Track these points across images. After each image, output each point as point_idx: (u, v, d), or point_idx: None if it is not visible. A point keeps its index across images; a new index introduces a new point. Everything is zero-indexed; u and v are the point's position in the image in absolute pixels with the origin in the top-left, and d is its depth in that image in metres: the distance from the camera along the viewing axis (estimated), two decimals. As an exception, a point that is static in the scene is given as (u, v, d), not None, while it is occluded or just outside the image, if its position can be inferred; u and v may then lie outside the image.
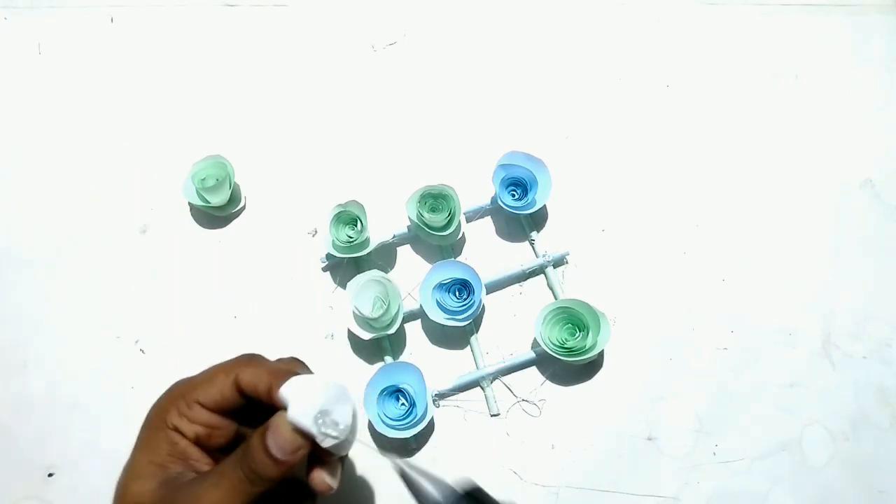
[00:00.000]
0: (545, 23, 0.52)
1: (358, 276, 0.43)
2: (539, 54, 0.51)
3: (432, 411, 0.41)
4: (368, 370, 0.42)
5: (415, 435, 0.40)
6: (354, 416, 0.31)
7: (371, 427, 0.41)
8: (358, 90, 0.51)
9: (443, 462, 0.42)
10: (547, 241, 0.46)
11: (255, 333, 0.44)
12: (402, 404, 0.40)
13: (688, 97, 0.50)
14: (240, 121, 0.50)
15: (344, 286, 0.44)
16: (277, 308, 0.45)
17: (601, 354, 0.43)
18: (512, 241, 0.45)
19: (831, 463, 0.41)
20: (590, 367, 0.43)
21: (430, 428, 0.42)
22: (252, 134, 0.50)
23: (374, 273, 0.43)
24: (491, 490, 0.41)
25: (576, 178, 0.46)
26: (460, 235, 0.46)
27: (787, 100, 0.50)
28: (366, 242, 0.44)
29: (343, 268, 0.46)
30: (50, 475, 0.41)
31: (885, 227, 0.47)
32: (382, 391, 0.40)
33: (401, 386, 0.40)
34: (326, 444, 0.29)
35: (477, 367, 0.43)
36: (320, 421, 0.29)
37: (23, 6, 0.53)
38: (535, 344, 0.43)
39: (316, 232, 0.47)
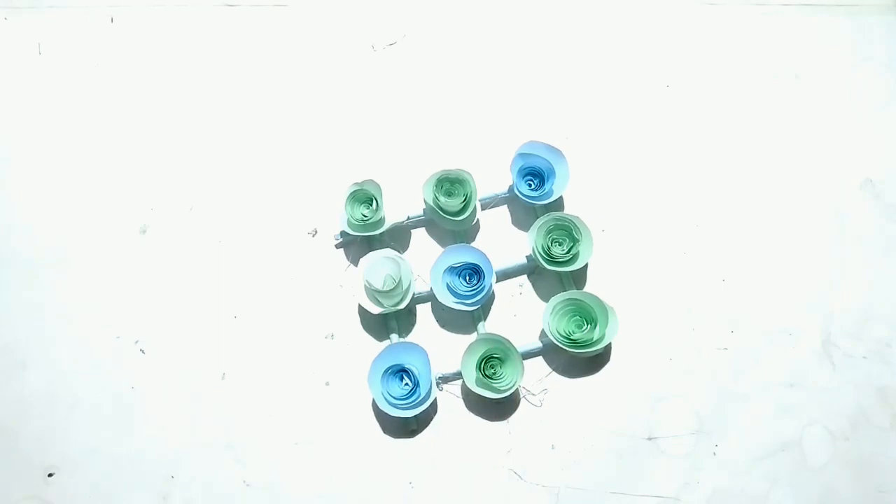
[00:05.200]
0: (544, 23, 0.52)
1: (371, 252, 0.44)
2: (539, 55, 0.51)
3: (435, 393, 0.42)
4: (374, 349, 0.43)
5: (416, 416, 0.41)
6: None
7: (374, 405, 0.42)
8: (357, 90, 0.51)
9: (443, 461, 0.42)
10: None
11: (256, 333, 0.44)
12: (406, 384, 0.41)
13: (688, 97, 0.50)
14: (240, 120, 0.50)
15: (356, 264, 0.45)
16: (277, 308, 0.45)
17: (608, 348, 0.43)
18: (526, 231, 0.45)
19: (831, 463, 0.41)
20: (596, 362, 0.43)
21: (432, 410, 0.42)
22: (252, 134, 0.50)
23: (388, 251, 0.44)
24: (491, 490, 0.41)
25: (575, 178, 0.46)
26: (475, 221, 0.46)
27: (787, 100, 0.50)
28: (380, 222, 0.44)
29: (356, 246, 0.46)
30: (50, 475, 0.41)
31: (885, 227, 0.47)
32: (387, 370, 0.41)
33: (406, 366, 0.41)
34: None
35: None
36: None
37: (23, 6, 0.53)
38: (542, 334, 0.44)
39: (316, 232, 0.47)
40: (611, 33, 0.52)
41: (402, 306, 0.42)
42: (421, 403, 0.40)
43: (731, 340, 0.44)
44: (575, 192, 0.47)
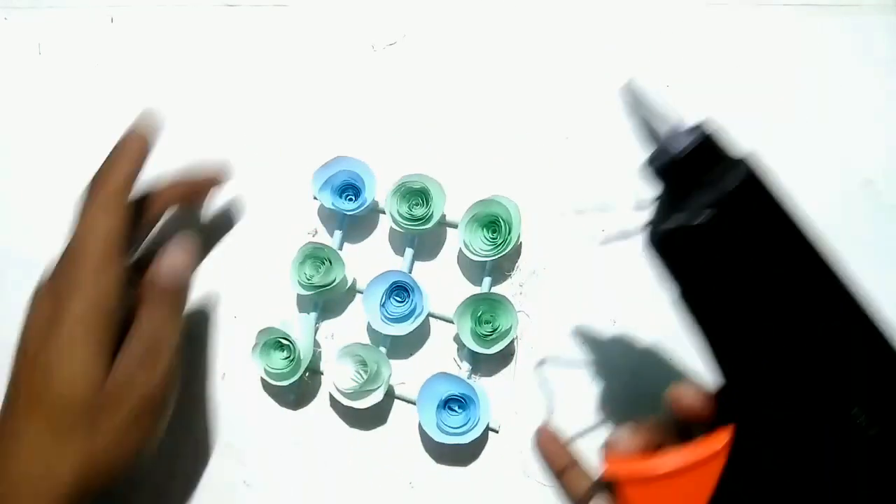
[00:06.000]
0: (545, 23, 0.52)
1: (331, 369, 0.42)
2: (539, 54, 0.51)
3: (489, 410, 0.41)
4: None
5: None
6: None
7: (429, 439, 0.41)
8: (357, 90, 0.51)
9: (443, 461, 0.42)
10: (545, 241, 0.46)
11: (256, 333, 0.44)
12: (457, 412, 0.41)
13: (688, 97, 0.50)
14: (239, 120, 0.50)
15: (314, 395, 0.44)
16: (278, 308, 0.45)
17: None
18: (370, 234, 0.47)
19: (831, 463, 0.41)
20: (595, 362, 0.43)
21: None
22: (251, 134, 0.50)
23: (348, 349, 0.42)
24: (491, 490, 0.41)
25: (576, 178, 0.46)
26: (348, 284, 0.45)
27: (786, 100, 0.50)
28: (296, 367, 0.42)
29: (302, 382, 0.44)
30: (50, 475, 0.41)
31: (885, 227, 0.47)
32: (437, 405, 0.41)
33: (450, 395, 0.40)
34: None
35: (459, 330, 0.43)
36: None
37: (23, 6, 0.53)
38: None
39: (316, 232, 0.47)
40: (611, 33, 0.52)
41: (382, 389, 0.41)
42: (478, 424, 0.40)
43: (731, 340, 0.44)
44: (575, 192, 0.47)
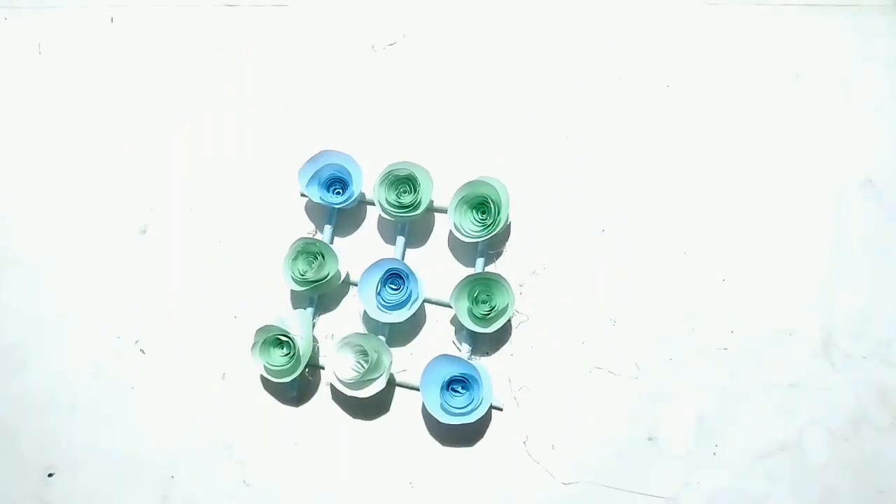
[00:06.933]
0: (544, 23, 0.52)
1: (334, 360, 0.42)
2: (539, 54, 0.51)
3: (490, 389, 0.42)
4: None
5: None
6: None
7: (426, 410, 0.42)
8: (357, 90, 0.51)
9: (443, 461, 0.42)
10: (544, 241, 0.46)
11: (254, 332, 0.44)
12: (461, 392, 0.41)
13: (688, 97, 0.50)
14: (240, 120, 0.50)
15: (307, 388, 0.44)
16: (277, 308, 0.45)
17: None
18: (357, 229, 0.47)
19: (831, 463, 0.41)
20: (595, 362, 0.43)
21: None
22: (251, 134, 0.50)
23: (348, 340, 0.42)
24: (491, 490, 0.41)
25: (575, 178, 0.46)
26: (342, 278, 0.45)
27: (787, 100, 0.50)
28: (297, 363, 0.42)
29: (303, 377, 0.44)
30: (50, 475, 0.41)
31: (885, 227, 0.47)
32: (442, 385, 0.41)
33: (453, 376, 0.41)
34: None
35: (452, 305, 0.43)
36: None
37: (23, 6, 0.53)
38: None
39: (316, 232, 0.47)
40: (611, 33, 0.52)
41: (388, 363, 0.42)
42: (482, 403, 0.41)
43: (731, 340, 0.44)
44: (574, 192, 0.47)
